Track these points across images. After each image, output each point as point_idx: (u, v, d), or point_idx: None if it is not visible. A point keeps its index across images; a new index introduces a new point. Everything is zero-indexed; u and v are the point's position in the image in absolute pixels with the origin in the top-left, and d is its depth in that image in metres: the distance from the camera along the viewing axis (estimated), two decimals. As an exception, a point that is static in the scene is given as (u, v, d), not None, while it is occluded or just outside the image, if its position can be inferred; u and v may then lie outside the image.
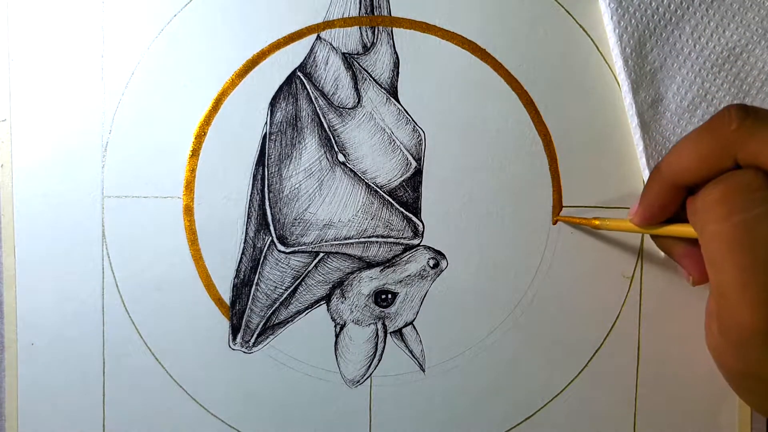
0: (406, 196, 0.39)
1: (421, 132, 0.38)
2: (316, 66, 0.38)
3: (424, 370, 0.39)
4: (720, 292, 0.26)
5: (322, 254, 0.39)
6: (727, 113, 0.27)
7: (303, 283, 0.39)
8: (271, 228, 0.38)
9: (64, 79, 0.38)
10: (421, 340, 0.39)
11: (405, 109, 0.38)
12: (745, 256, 0.25)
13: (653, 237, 0.34)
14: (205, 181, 0.38)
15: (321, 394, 0.39)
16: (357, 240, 0.39)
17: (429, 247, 0.39)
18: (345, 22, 0.38)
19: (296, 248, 0.39)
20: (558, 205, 0.39)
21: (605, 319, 0.39)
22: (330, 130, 0.38)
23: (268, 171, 0.38)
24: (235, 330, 0.39)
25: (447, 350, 0.39)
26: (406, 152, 0.38)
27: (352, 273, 0.39)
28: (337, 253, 0.39)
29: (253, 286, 0.38)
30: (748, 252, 0.25)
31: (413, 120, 0.38)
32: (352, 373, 0.39)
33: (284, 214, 0.38)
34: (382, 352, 0.39)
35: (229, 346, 0.39)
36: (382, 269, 0.39)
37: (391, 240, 0.39)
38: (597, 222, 0.36)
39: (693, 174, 0.28)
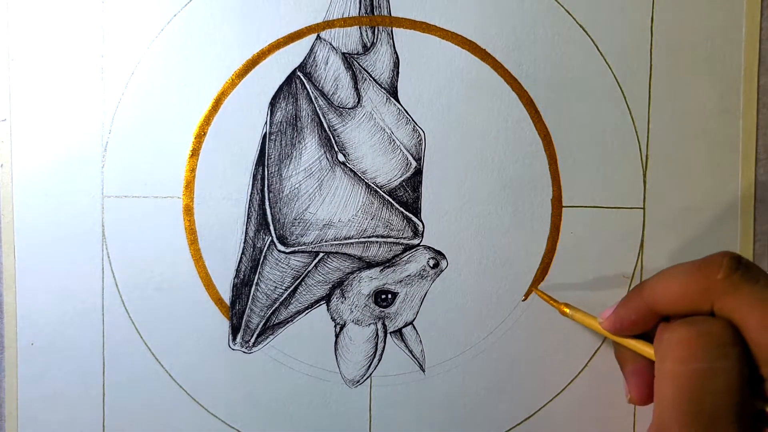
0: (406, 196, 0.39)
1: (421, 132, 0.38)
2: (316, 66, 0.38)
3: (424, 370, 0.39)
4: (660, 425, 0.27)
5: (322, 254, 0.39)
6: (720, 260, 0.28)
7: (303, 283, 0.39)
8: (271, 228, 0.38)
9: (64, 79, 0.38)
10: (421, 340, 0.39)
11: (405, 109, 0.38)
12: (691, 403, 0.26)
13: (614, 344, 0.34)
14: (205, 181, 0.38)
15: (321, 394, 0.39)
16: (357, 240, 0.39)
17: (429, 247, 0.39)
18: (345, 22, 0.38)
19: (296, 248, 0.39)
20: (557, 202, 0.39)
21: (605, 319, 0.39)
22: (330, 130, 0.38)
23: (268, 171, 0.38)
24: (235, 330, 0.39)
25: (447, 350, 0.39)
26: (406, 152, 0.38)
27: (352, 273, 0.39)
28: (337, 253, 0.39)
29: (253, 286, 0.38)
30: (695, 401, 0.26)
31: (413, 120, 0.38)
32: (352, 373, 0.39)
33: (284, 214, 0.38)
34: (382, 352, 0.39)
35: (229, 346, 0.39)
36: (382, 269, 0.39)
37: (391, 240, 0.39)
38: (567, 310, 0.35)
39: (671, 306, 0.29)
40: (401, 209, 0.38)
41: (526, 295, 0.38)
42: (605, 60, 0.38)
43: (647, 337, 0.31)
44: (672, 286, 0.29)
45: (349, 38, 0.38)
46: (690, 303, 0.28)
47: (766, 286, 0.27)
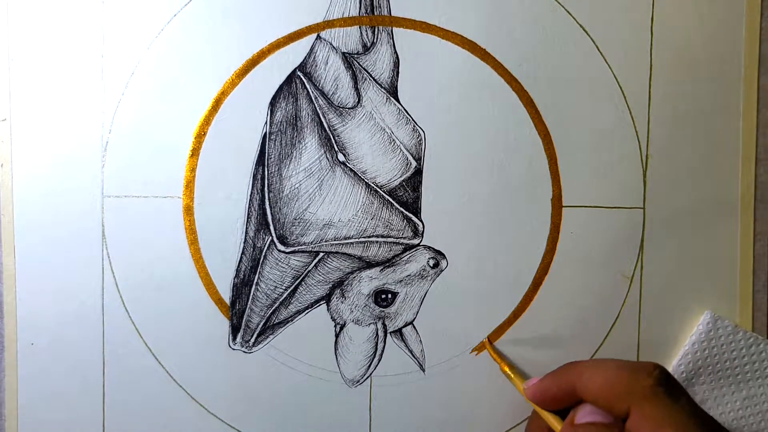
0: (406, 195, 0.39)
1: (421, 132, 0.38)
2: (316, 66, 0.38)
3: (424, 370, 0.39)
4: None
5: (322, 254, 0.39)
6: (652, 369, 0.29)
7: (303, 283, 0.39)
8: (271, 228, 0.38)
9: (64, 79, 0.38)
10: (421, 340, 0.39)
11: (405, 109, 0.38)
12: None
13: (529, 420, 0.36)
14: (205, 181, 0.38)
15: (321, 394, 0.39)
16: (357, 240, 0.39)
17: (429, 247, 0.39)
18: (345, 21, 0.38)
19: (296, 248, 0.39)
20: (557, 202, 0.39)
21: (605, 319, 0.39)
22: (330, 129, 0.38)
23: (268, 171, 0.38)
24: (235, 330, 0.39)
25: (447, 350, 0.39)
26: (406, 152, 0.38)
27: (352, 273, 0.39)
28: (337, 252, 0.39)
29: (253, 286, 0.38)
30: None
31: (413, 120, 0.38)
32: (352, 373, 0.39)
33: (284, 214, 0.38)
34: (382, 352, 0.39)
35: (229, 346, 0.39)
36: (382, 269, 0.39)
37: (391, 240, 0.39)
38: (506, 369, 0.37)
39: (592, 395, 0.30)
40: (401, 209, 0.38)
41: (477, 350, 0.38)
42: (605, 60, 0.38)
43: (564, 413, 0.32)
44: (599, 377, 0.30)
45: (349, 38, 0.38)
46: (610, 398, 0.29)
47: (684, 405, 0.28)
